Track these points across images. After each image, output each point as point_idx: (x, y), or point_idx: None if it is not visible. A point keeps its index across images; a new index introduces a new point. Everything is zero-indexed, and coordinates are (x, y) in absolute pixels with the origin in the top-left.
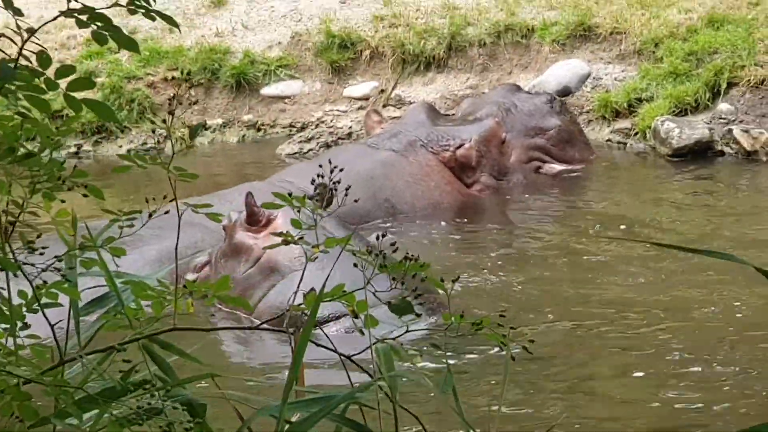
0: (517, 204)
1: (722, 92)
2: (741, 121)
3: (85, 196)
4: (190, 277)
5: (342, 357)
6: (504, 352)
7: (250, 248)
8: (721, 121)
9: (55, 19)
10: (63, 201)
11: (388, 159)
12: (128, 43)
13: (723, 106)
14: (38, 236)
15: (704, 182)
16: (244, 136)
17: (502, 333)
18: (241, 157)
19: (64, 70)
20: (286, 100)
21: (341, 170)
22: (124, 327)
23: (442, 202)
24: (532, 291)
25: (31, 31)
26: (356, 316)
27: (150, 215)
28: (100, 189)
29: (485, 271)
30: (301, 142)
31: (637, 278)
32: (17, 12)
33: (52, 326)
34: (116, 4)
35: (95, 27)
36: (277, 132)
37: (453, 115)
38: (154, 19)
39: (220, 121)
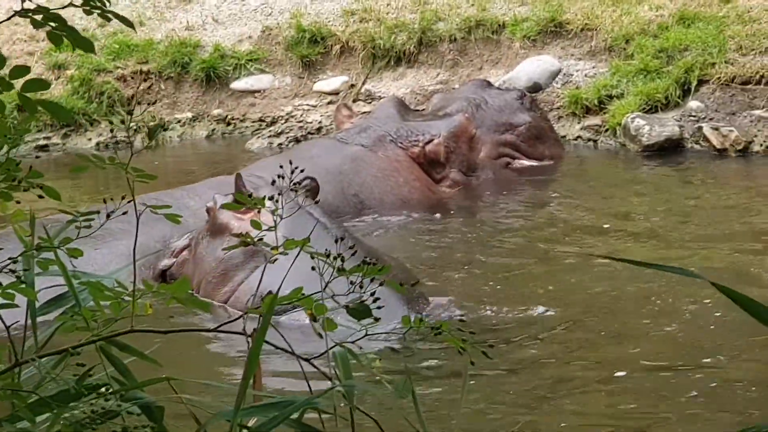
0: (485, 200)
1: (693, 90)
2: (711, 119)
3: (40, 197)
4: (167, 262)
5: (300, 360)
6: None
7: (233, 228)
8: (691, 118)
9: (9, 18)
10: (18, 202)
11: (357, 154)
12: (83, 44)
13: (693, 103)
14: None
15: (673, 179)
16: (213, 130)
17: (462, 338)
18: (210, 151)
19: (18, 71)
20: (256, 95)
21: (301, 170)
22: (81, 329)
23: (410, 198)
24: (498, 287)
25: None
26: (314, 320)
27: (108, 216)
28: (55, 190)
29: (452, 266)
30: (270, 136)
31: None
32: None
33: (7, 327)
34: (71, 5)
35: (50, 27)
36: (246, 126)
37: (423, 110)
38: (109, 20)
39: (189, 114)
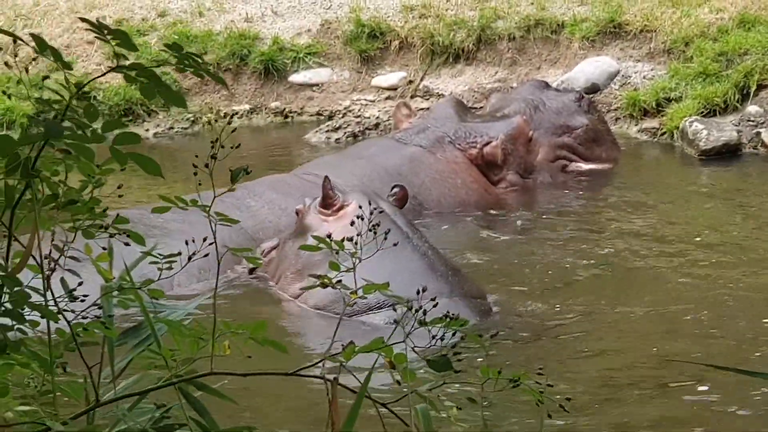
0: (543, 203)
1: (751, 94)
2: None
3: (126, 245)
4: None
5: (378, 407)
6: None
7: (318, 228)
8: (750, 123)
9: (104, 75)
10: (105, 249)
11: (415, 155)
12: (175, 99)
13: (752, 108)
14: (80, 284)
15: (733, 185)
16: (271, 122)
17: (539, 390)
18: (269, 143)
19: (111, 124)
20: (314, 88)
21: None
22: (160, 367)
23: (468, 200)
24: (563, 302)
25: (79, 86)
26: (393, 368)
27: (189, 258)
28: (141, 236)
29: (515, 275)
30: (328, 131)
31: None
32: (66, 66)
33: (89, 368)
34: (165, 63)
35: (143, 82)
36: (304, 120)
37: (481, 109)
38: (202, 77)
39: (247, 107)
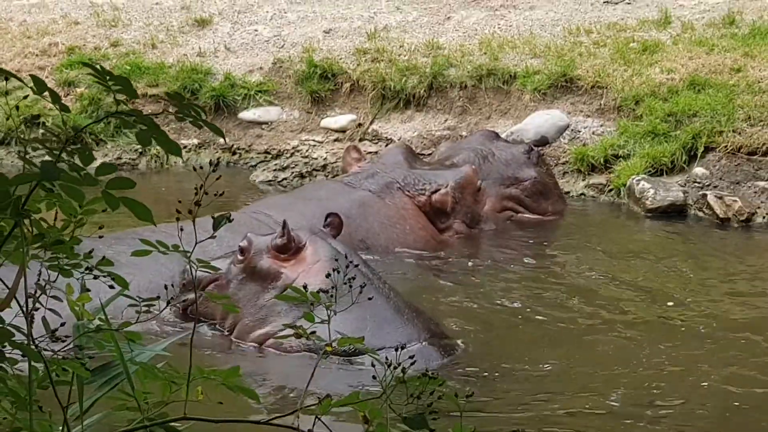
0: (488, 252)
1: (699, 156)
2: (715, 187)
3: (111, 287)
4: (192, 297)
5: None
6: None
7: (278, 275)
8: (696, 185)
9: (99, 121)
10: (89, 290)
11: (365, 199)
12: (172, 148)
13: (698, 170)
14: (62, 324)
15: (674, 247)
16: (219, 158)
17: None
18: (214, 181)
19: (106, 168)
20: (264, 126)
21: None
22: (132, 409)
23: (416, 246)
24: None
25: (76, 130)
26: (367, 422)
27: (168, 303)
28: (125, 279)
29: (468, 317)
30: (275, 170)
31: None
32: (64, 109)
33: (63, 407)
34: (165, 112)
35: (141, 129)
36: (252, 157)
37: (430, 156)
38: (200, 127)
39: (195, 141)
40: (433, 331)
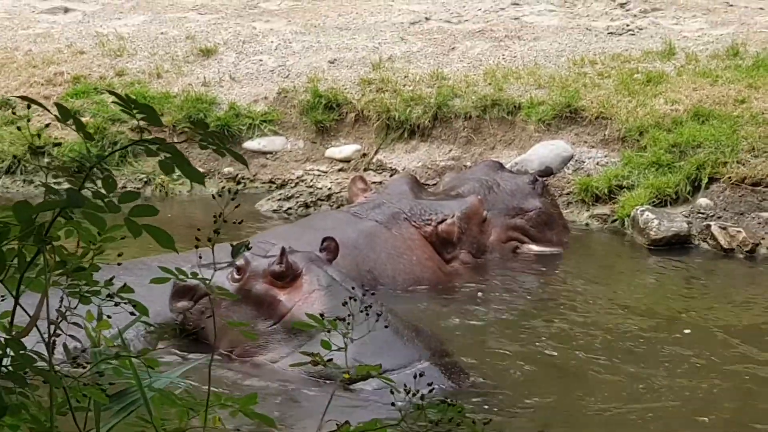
0: (494, 282)
1: (703, 187)
2: (719, 218)
3: (132, 314)
4: (184, 304)
5: None
6: None
7: (276, 302)
8: (700, 215)
9: (125, 148)
10: (109, 316)
11: (371, 230)
12: (194, 175)
13: (702, 200)
14: (83, 351)
15: (678, 278)
16: (223, 188)
17: None
18: (218, 210)
19: (128, 196)
20: (268, 156)
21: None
22: None
23: (422, 277)
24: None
25: (101, 158)
26: None
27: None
28: (145, 306)
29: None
30: (280, 199)
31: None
32: (88, 137)
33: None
34: (188, 140)
35: (164, 157)
36: (256, 187)
37: (434, 187)
38: (223, 155)
39: (200, 170)
40: (435, 349)
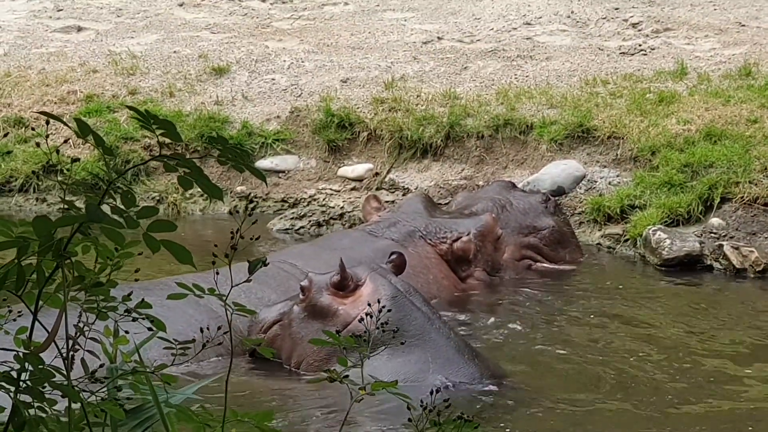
0: (509, 300)
1: (715, 206)
2: (732, 237)
3: (150, 329)
4: (259, 337)
5: None
6: None
7: (336, 313)
8: (712, 235)
9: (144, 163)
10: (126, 332)
11: (388, 248)
12: (213, 191)
13: (715, 220)
14: (101, 365)
15: (690, 295)
16: (235, 206)
17: None
18: (230, 229)
19: (147, 211)
20: (281, 175)
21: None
22: None
23: (439, 296)
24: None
25: (120, 173)
26: None
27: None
28: (161, 321)
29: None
30: (293, 218)
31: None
32: (108, 152)
33: None
34: (207, 155)
35: (183, 173)
36: (269, 206)
37: (447, 206)
38: (242, 171)
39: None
40: (493, 371)
